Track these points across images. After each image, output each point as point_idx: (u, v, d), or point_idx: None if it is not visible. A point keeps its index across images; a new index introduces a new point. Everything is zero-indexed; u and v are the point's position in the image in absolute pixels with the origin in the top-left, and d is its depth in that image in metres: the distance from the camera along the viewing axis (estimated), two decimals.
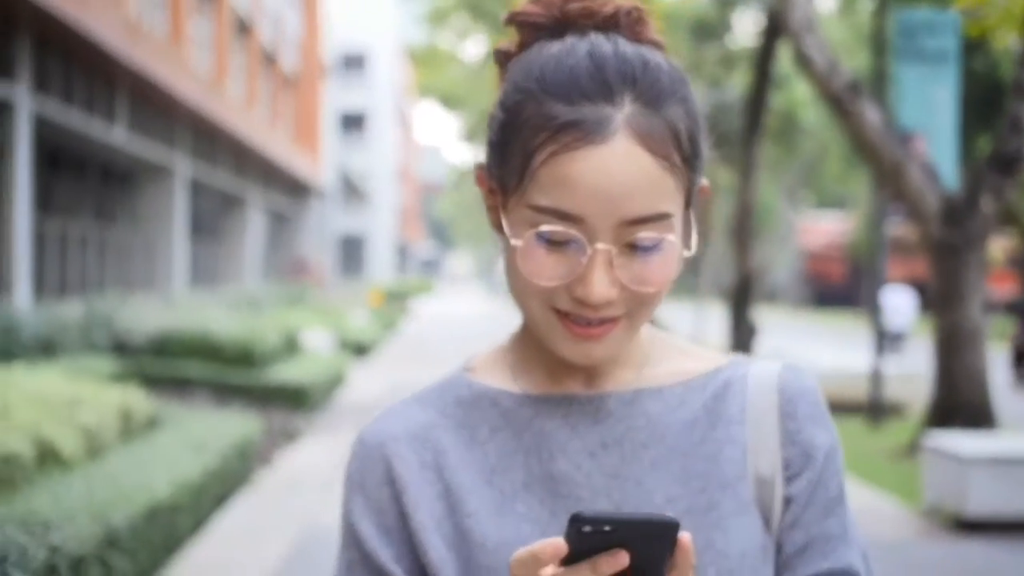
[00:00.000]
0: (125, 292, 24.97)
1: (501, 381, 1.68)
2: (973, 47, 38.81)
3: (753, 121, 22.55)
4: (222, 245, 39.79)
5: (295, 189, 52.65)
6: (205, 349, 17.87)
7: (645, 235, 1.48)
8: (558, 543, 1.31)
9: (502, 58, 1.66)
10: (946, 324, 14.24)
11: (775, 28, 20.31)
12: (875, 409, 17.62)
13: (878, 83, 18.87)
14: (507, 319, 57.00)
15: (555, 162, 1.47)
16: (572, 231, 1.47)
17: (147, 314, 19.50)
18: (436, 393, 1.70)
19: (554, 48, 1.55)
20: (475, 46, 54.78)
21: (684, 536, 1.34)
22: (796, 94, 37.47)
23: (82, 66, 21.49)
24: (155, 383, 15.56)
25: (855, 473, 12.70)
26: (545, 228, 1.48)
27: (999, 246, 55.14)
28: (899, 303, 28.24)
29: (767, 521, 1.62)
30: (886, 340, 21.24)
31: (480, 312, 64.88)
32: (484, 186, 1.62)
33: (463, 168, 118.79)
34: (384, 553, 1.60)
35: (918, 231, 15.25)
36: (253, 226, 41.78)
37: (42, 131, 20.29)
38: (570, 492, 1.59)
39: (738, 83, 33.61)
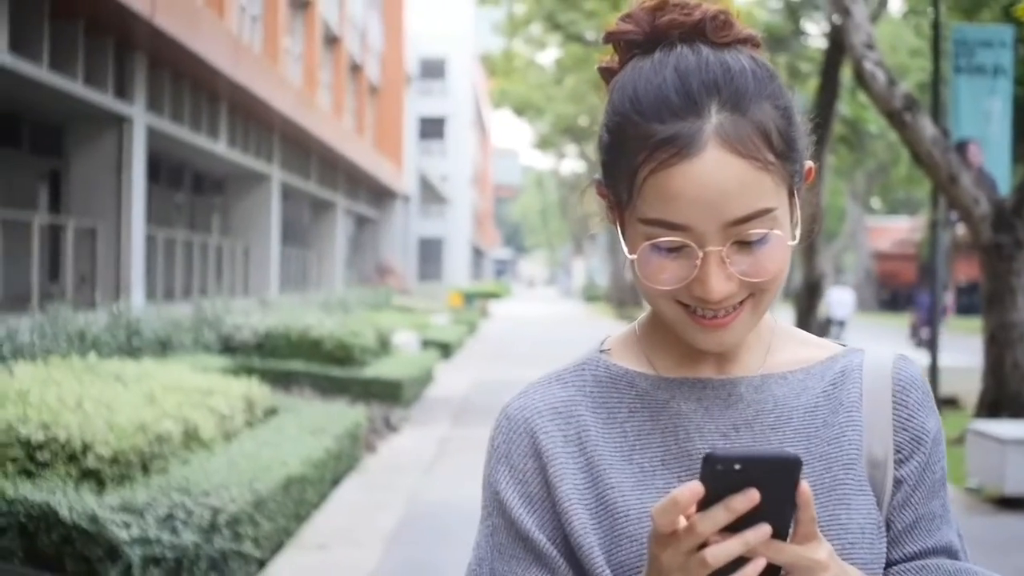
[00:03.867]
0: (226, 295, 26.30)
1: (636, 363, 1.76)
2: None
3: (820, 128, 23.45)
4: (311, 250, 41.02)
5: (379, 195, 53.78)
6: (306, 347, 19.02)
7: (751, 231, 1.55)
8: (694, 486, 1.38)
9: (606, 75, 1.74)
10: (994, 321, 15.22)
11: (839, 42, 21.21)
12: None
13: (937, 91, 19.73)
14: (581, 321, 57.90)
15: (656, 179, 1.55)
16: (682, 239, 1.56)
17: (250, 315, 20.76)
18: (574, 373, 1.78)
19: (645, 67, 1.63)
20: (549, 55, 55.35)
21: (803, 483, 1.42)
22: (863, 100, 38.09)
23: (190, 83, 22.83)
24: (262, 378, 16.73)
25: None
26: (657, 240, 1.57)
27: None
28: (842, 297, 34.53)
29: (878, 500, 1.71)
30: (831, 327, 28.39)
31: (555, 314, 65.55)
32: (604, 199, 1.71)
33: (538, 173, 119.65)
34: (528, 520, 1.67)
35: (971, 235, 16.22)
36: (340, 231, 43.05)
37: (154, 145, 21.58)
38: None
39: (809, 89, 34.36)
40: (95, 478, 8.40)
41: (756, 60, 1.64)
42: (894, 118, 15.65)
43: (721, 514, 1.38)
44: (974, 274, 50.83)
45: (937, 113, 18.18)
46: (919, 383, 1.76)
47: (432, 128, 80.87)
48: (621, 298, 68.25)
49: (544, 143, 74.20)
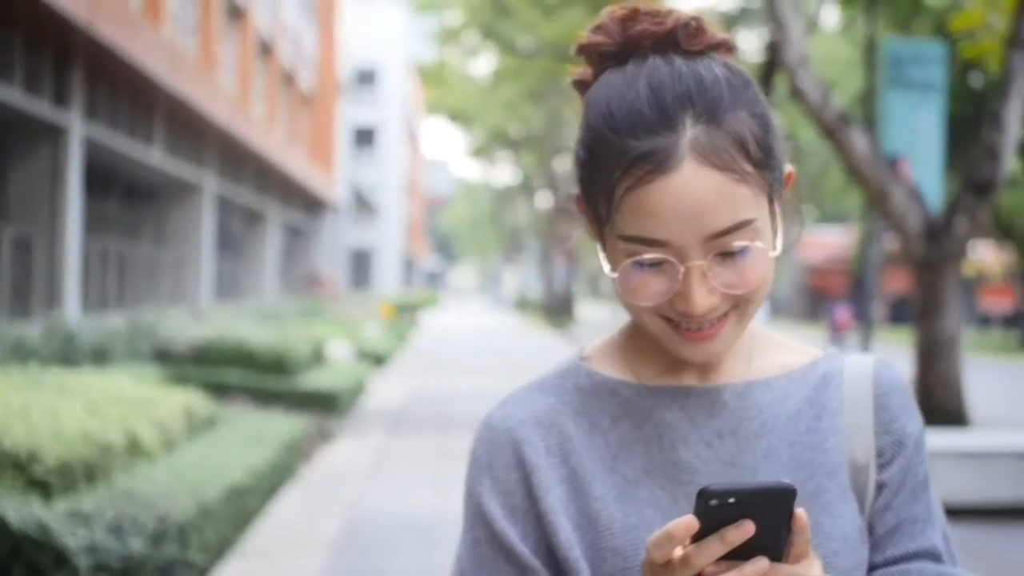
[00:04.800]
0: (159, 305, 26.25)
1: (619, 371, 1.75)
2: (964, 75, 39.98)
3: None
4: (243, 259, 40.97)
5: (311, 204, 53.75)
6: (241, 357, 19.02)
7: (732, 243, 1.55)
8: (690, 520, 1.38)
9: (579, 88, 1.71)
10: (925, 334, 15.50)
11: (774, 56, 21.45)
12: None
13: (870, 106, 19.99)
14: (513, 331, 58.08)
15: (633, 195, 1.54)
16: (663, 255, 1.55)
17: (184, 325, 20.75)
18: (555, 380, 1.77)
19: (617, 80, 1.61)
20: (484, 64, 55.48)
21: (799, 511, 1.42)
22: (796, 113, 38.49)
23: (127, 92, 22.79)
24: (198, 389, 16.70)
25: None
26: (637, 257, 1.57)
27: (997, 261, 56.05)
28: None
29: (861, 505, 1.71)
30: None
31: (486, 324, 65.68)
32: (584, 214, 1.69)
33: (469, 183, 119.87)
34: (511, 532, 1.66)
35: (902, 249, 16.50)
36: (272, 241, 43.02)
37: (89, 154, 21.52)
38: (690, 479, 1.66)
39: None
40: (41, 487, 8.43)
41: (730, 67, 1.62)
42: (827, 133, 15.87)
43: (716, 546, 1.39)
44: (905, 286, 51.42)
45: (871, 127, 18.44)
46: (900, 386, 1.77)
47: (364, 137, 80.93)
48: (553, 308, 68.51)
49: (477, 153, 74.36)
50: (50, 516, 7.96)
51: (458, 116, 63.40)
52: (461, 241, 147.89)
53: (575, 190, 1.70)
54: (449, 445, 16.63)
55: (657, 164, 1.52)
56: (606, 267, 1.64)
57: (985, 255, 58.93)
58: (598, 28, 1.67)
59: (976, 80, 42.13)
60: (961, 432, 14.01)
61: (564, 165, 64.98)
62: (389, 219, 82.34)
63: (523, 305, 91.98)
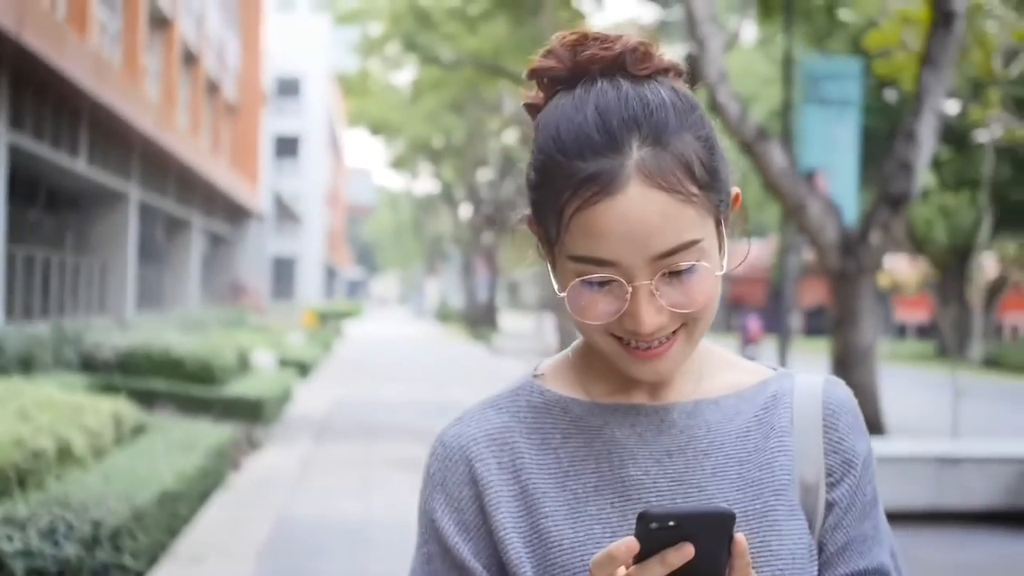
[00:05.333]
0: (83, 313, 26.23)
1: (570, 389, 1.77)
2: (880, 91, 40.60)
3: None
4: (166, 268, 40.88)
5: (234, 213, 53.60)
6: (168, 366, 19.07)
7: (678, 263, 1.57)
8: (630, 542, 1.41)
9: (531, 111, 1.74)
10: (841, 342, 15.88)
11: (694, 71, 21.82)
12: None
13: (787, 121, 20.41)
14: (435, 341, 58.22)
15: (581, 216, 1.57)
16: (611, 275, 1.57)
17: (109, 333, 20.77)
18: (509, 399, 1.79)
19: (566, 104, 1.64)
20: (406, 75, 55.58)
21: (739, 535, 1.45)
22: (715, 128, 38.85)
23: (53, 101, 22.77)
24: (125, 397, 16.75)
25: None
26: (586, 276, 1.59)
27: (912, 272, 56.86)
28: None
29: (811, 524, 1.72)
30: None
31: (408, 334, 65.86)
32: (535, 234, 1.72)
33: (391, 192, 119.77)
34: (464, 548, 1.69)
35: (818, 260, 16.88)
36: (196, 250, 42.95)
37: (14, 163, 21.49)
38: (639, 496, 1.68)
39: None
40: None
41: (676, 91, 1.65)
42: (746, 147, 16.17)
43: (656, 568, 1.42)
44: (821, 297, 52.07)
45: (788, 142, 18.79)
46: (849, 406, 1.78)
47: (287, 147, 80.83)
48: (474, 319, 68.73)
49: (399, 163, 74.42)
50: None
51: (379, 128, 63.50)
52: (383, 251, 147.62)
53: (527, 211, 1.73)
54: (374, 453, 16.85)
55: (604, 186, 1.55)
56: (556, 286, 1.65)
57: (901, 266, 59.82)
58: (549, 53, 1.69)
59: (891, 96, 42.84)
60: (877, 439, 14.36)
61: (486, 176, 65.40)
62: (311, 228, 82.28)
63: (444, 315, 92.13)
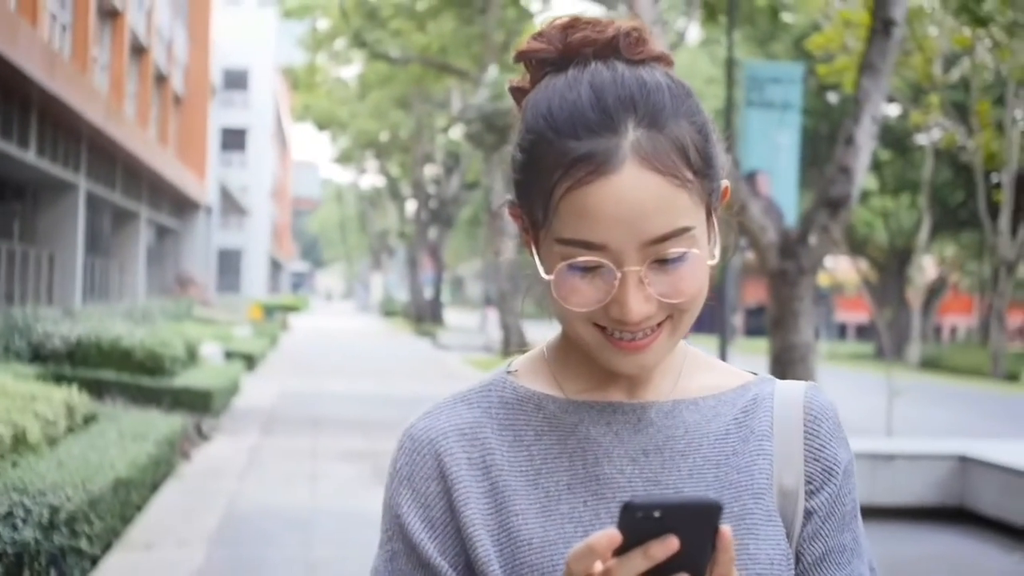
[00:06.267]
0: (32, 304, 26.30)
1: (545, 385, 1.72)
2: (822, 93, 41.12)
3: None
4: (113, 260, 40.85)
5: (181, 205, 53.55)
6: (117, 356, 19.21)
7: (669, 250, 1.51)
8: (612, 533, 1.33)
9: (517, 95, 1.69)
10: (779, 343, 16.22)
11: None
12: None
13: (729, 122, 20.76)
14: (380, 335, 58.36)
15: (572, 197, 1.51)
16: (599, 259, 1.51)
17: (58, 324, 20.89)
18: (480, 394, 1.74)
19: (558, 84, 1.59)
20: (353, 70, 55.72)
21: (724, 527, 1.38)
22: None
23: (3, 91, 22.84)
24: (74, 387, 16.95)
25: None
26: (573, 260, 1.53)
27: (852, 274, 57.45)
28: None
29: (788, 532, 1.68)
30: None
31: (354, 328, 66.01)
32: (518, 221, 1.66)
33: (337, 186, 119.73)
34: (430, 545, 1.64)
35: (758, 261, 17.23)
36: (142, 241, 42.99)
37: None
38: (613, 495, 1.63)
39: None
40: None
41: (671, 77, 1.60)
42: None
43: (639, 561, 1.34)
44: (762, 297, 52.56)
45: (730, 143, 19.11)
46: (830, 413, 1.75)
47: (233, 139, 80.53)
48: (420, 314, 68.94)
49: (345, 157, 74.53)
50: None
51: (326, 123, 63.61)
52: (328, 244, 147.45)
53: (508, 196, 1.68)
54: (321, 444, 17.12)
55: (598, 165, 1.50)
56: (541, 270, 1.60)
57: (842, 267, 60.43)
58: (539, 35, 1.65)
59: (834, 98, 43.40)
60: None
61: (432, 172, 65.62)
62: (257, 221, 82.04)
63: (389, 310, 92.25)
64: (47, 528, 8.56)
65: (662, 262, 1.53)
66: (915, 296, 48.13)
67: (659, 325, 1.57)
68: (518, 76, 1.71)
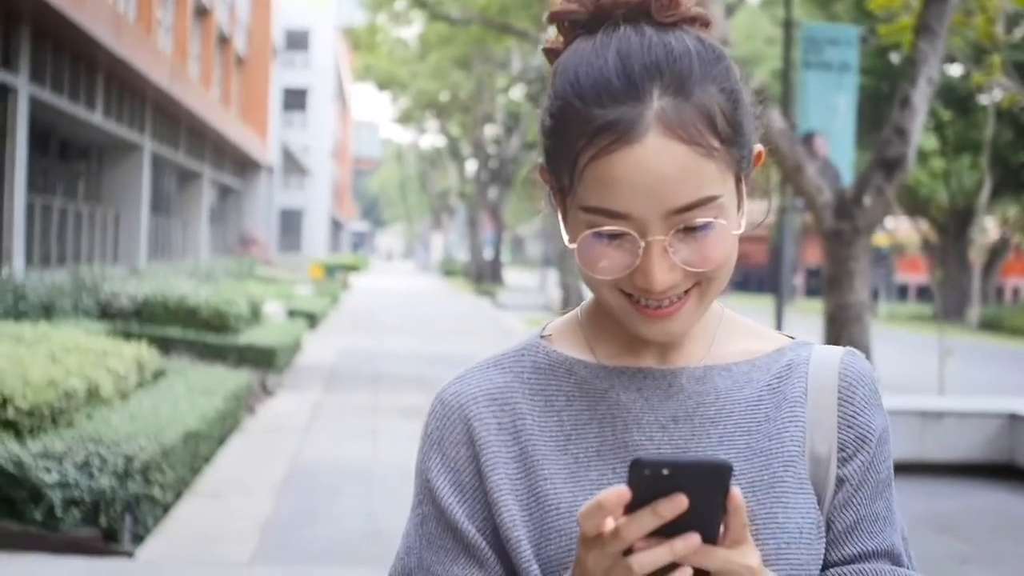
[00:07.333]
0: (99, 262, 26.80)
1: (577, 350, 1.71)
2: (885, 53, 40.96)
3: None
4: (177, 219, 41.39)
5: (243, 165, 54.07)
6: (183, 314, 19.61)
7: (695, 219, 1.49)
8: (621, 490, 1.33)
9: (550, 56, 1.66)
10: (833, 303, 16.36)
11: None
12: None
13: (788, 84, 20.86)
14: (440, 294, 58.67)
15: (596, 165, 1.49)
16: (623, 228, 1.50)
17: (125, 282, 21.33)
18: (513, 358, 1.72)
19: (587, 49, 1.56)
20: (413, 30, 55.75)
21: (735, 489, 1.37)
22: None
23: (70, 54, 23.29)
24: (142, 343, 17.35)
25: None
26: (597, 229, 1.51)
27: (913, 235, 57.22)
28: None
29: (820, 499, 1.65)
30: None
31: (413, 288, 66.12)
32: (547, 183, 1.65)
33: (397, 146, 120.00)
34: (458, 510, 1.63)
35: (814, 221, 17.38)
36: (205, 201, 43.50)
37: (34, 114, 22.04)
38: None
39: None
40: (13, 429, 9.18)
41: (702, 41, 1.55)
42: None
43: (648, 519, 1.34)
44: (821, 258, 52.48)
45: (788, 105, 19.25)
46: (867, 380, 1.72)
47: (294, 100, 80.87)
48: (479, 273, 69.23)
49: (405, 118, 74.68)
50: (26, 454, 8.75)
51: (386, 83, 63.77)
52: (389, 204, 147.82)
53: (539, 159, 1.66)
54: (381, 401, 17.48)
55: (621, 134, 1.48)
56: (566, 238, 1.60)
57: (903, 228, 60.14)
58: None
59: (896, 58, 43.20)
60: None
61: (492, 132, 65.76)
62: (318, 181, 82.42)
63: (449, 270, 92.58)
64: (122, 476, 8.94)
65: (688, 230, 1.51)
66: (976, 257, 47.93)
67: (686, 292, 1.56)
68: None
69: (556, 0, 1.64)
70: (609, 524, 1.35)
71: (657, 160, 1.47)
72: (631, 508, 1.34)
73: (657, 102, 1.48)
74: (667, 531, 1.35)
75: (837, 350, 1.73)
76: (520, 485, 1.62)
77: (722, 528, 1.39)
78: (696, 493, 1.34)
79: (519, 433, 1.65)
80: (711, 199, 1.49)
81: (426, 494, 1.67)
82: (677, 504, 1.33)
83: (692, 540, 1.35)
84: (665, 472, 1.33)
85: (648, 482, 1.33)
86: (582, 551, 1.41)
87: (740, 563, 1.39)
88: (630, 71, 1.50)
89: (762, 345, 1.73)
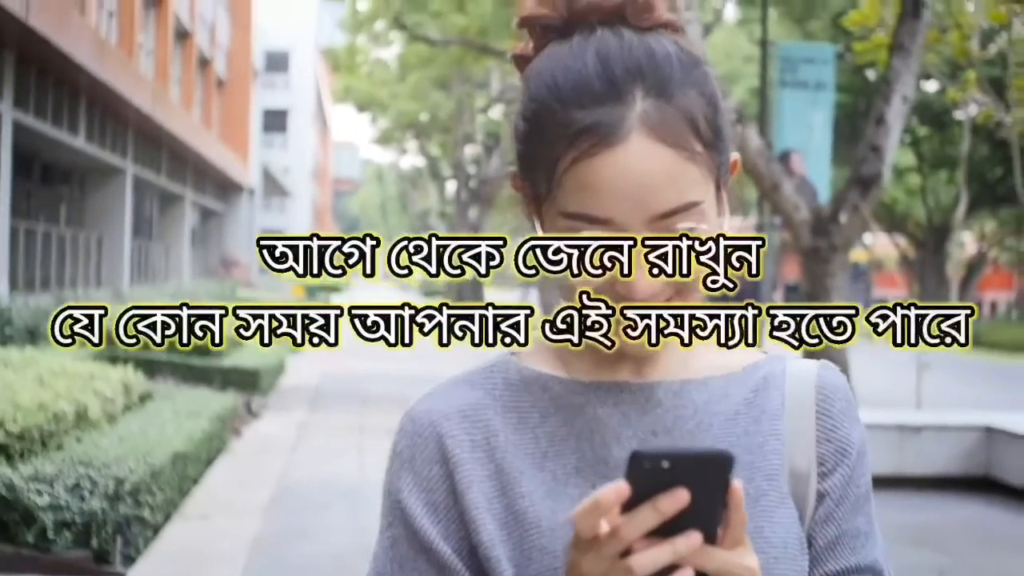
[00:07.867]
0: (82, 286, 26.89)
1: (550, 366, 1.65)
2: (861, 70, 41.22)
3: None
4: (159, 242, 41.45)
5: (224, 187, 54.08)
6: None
7: (677, 225, 1.45)
8: (620, 486, 1.25)
9: (520, 62, 1.62)
10: None
11: None
12: None
13: (764, 102, 21.06)
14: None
15: (577, 169, 1.45)
16: (605, 234, 1.45)
17: (109, 305, 21.39)
18: (483, 375, 1.68)
19: (563, 51, 1.52)
20: (393, 51, 55.85)
21: (736, 482, 1.29)
22: None
23: (54, 79, 23.39)
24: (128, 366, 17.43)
25: None
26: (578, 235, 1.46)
27: (891, 250, 57.48)
28: None
29: (801, 514, 1.62)
30: None
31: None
32: (521, 192, 1.60)
33: (378, 166, 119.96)
34: (432, 531, 1.58)
35: (792, 239, 17.56)
36: (187, 224, 43.57)
37: (17, 139, 22.11)
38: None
39: None
40: (5, 452, 9.28)
41: (680, 46, 1.52)
42: None
43: (648, 516, 1.26)
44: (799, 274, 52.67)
45: (764, 123, 19.45)
46: (843, 392, 1.69)
47: (275, 121, 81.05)
48: (460, 293, 69.31)
49: (385, 138, 74.72)
50: (17, 477, 8.89)
51: (366, 104, 63.85)
52: (369, 225, 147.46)
53: (512, 168, 1.62)
54: (366, 421, 17.62)
55: (603, 137, 1.44)
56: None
57: (881, 243, 60.43)
58: (543, 0, 1.58)
59: (872, 75, 43.45)
60: None
61: (472, 152, 65.91)
62: (298, 202, 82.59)
63: (430, 290, 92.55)
64: (113, 498, 9.06)
65: None
66: (954, 272, 48.15)
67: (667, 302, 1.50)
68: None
69: (527, 4, 1.60)
70: (605, 526, 1.27)
71: (640, 163, 1.43)
72: (628, 506, 1.27)
73: (640, 104, 1.45)
74: (664, 530, 1.27)
75: (812, 363, 1.69)
76: (497, 504, 1.57)
77: (722, 526, 1.32)
78: (697, 487, 1.27)
79: (493, 450, 1.60)
80: (694, 204, 1.46)
81: (397, 515, 1.61)
82: (678, 499, 1.26)
83: (694, 538, 1.28)
84: (665, 465, 1.26)
85: (647, 476, 1.26)
86: (576, 555, 1.32)
87: (740, 564, 1.32)
88: (611, 73, 1.46)
89: (737, 359, 1.68)
